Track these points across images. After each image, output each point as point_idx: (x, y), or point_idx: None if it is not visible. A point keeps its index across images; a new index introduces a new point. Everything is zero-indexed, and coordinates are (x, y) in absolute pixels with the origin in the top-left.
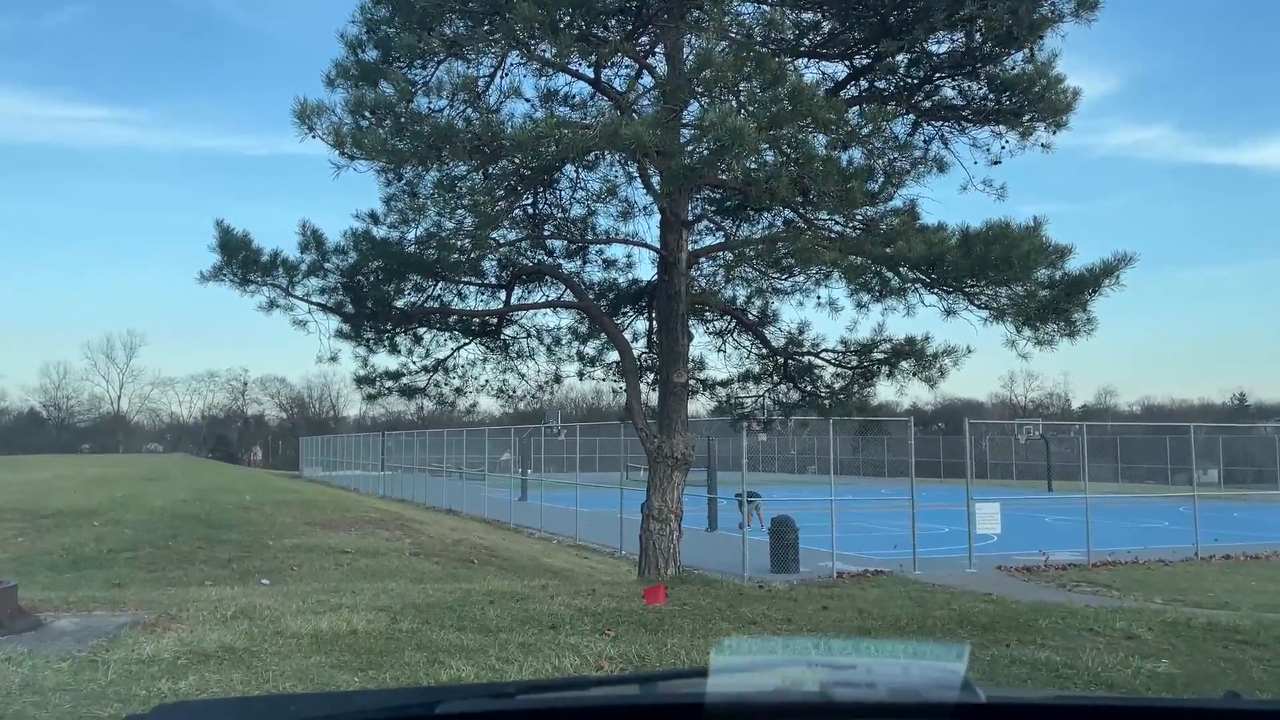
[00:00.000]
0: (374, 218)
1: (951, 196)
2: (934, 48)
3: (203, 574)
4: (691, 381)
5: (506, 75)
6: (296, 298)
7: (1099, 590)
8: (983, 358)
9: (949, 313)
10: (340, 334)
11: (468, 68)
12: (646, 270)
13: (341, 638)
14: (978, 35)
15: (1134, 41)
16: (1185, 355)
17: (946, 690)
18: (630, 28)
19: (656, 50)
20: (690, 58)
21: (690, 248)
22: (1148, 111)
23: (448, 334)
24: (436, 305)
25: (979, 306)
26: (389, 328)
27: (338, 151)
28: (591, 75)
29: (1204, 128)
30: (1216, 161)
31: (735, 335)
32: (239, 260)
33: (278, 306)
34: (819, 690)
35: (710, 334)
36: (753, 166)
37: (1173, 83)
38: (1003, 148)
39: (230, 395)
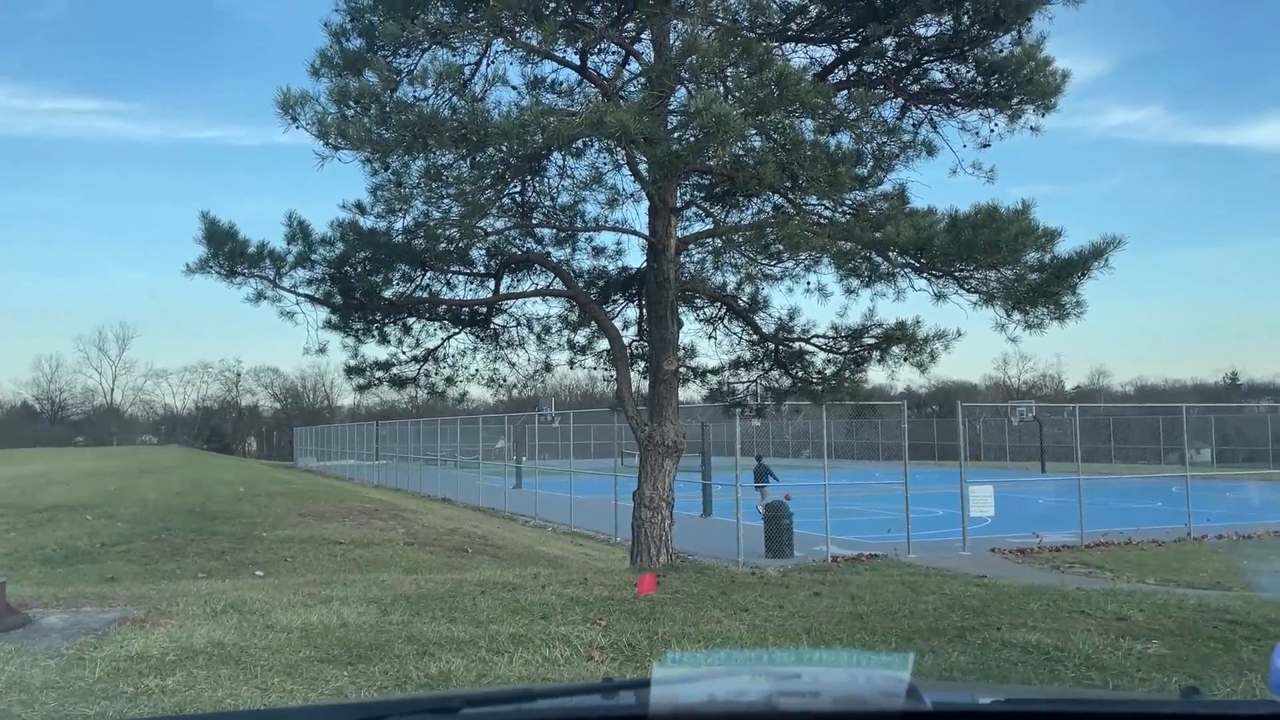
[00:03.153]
0: (360, 208)
1: (941, 180)
2: (922, 31)
3: (196, 566)
4: (682, 369)
5: (492, 63)
6: (284, 289)
7: (1092, 571)
8: (976, 340)
9: (939, 297)
10: (329, 325)
11: (453, 56)
12: (636, 258)
13: (331, 631)
14: (965, 18)
15: (1124, 23)
16: (1178, 335)
17: (892, 698)
18: (616, 14)
19: (643, 36)
20: (676, 43)
21: (679, 234)
22: (1139, 93)
23: (437, 324)
24: (425, 295)
25: (969, 290)
26: (378, 318)
27: (322, 142)
28: (578, 62)
29: (1195, 108)
30: (1208, 142)
31: (726, 322)
32: (225, 252)
33: (265, 298)
34: (764, 700)
35: (701, 321)
36: (740, 152)
37: (1163, 64)
38: (992, 130)
39: (224, 386)
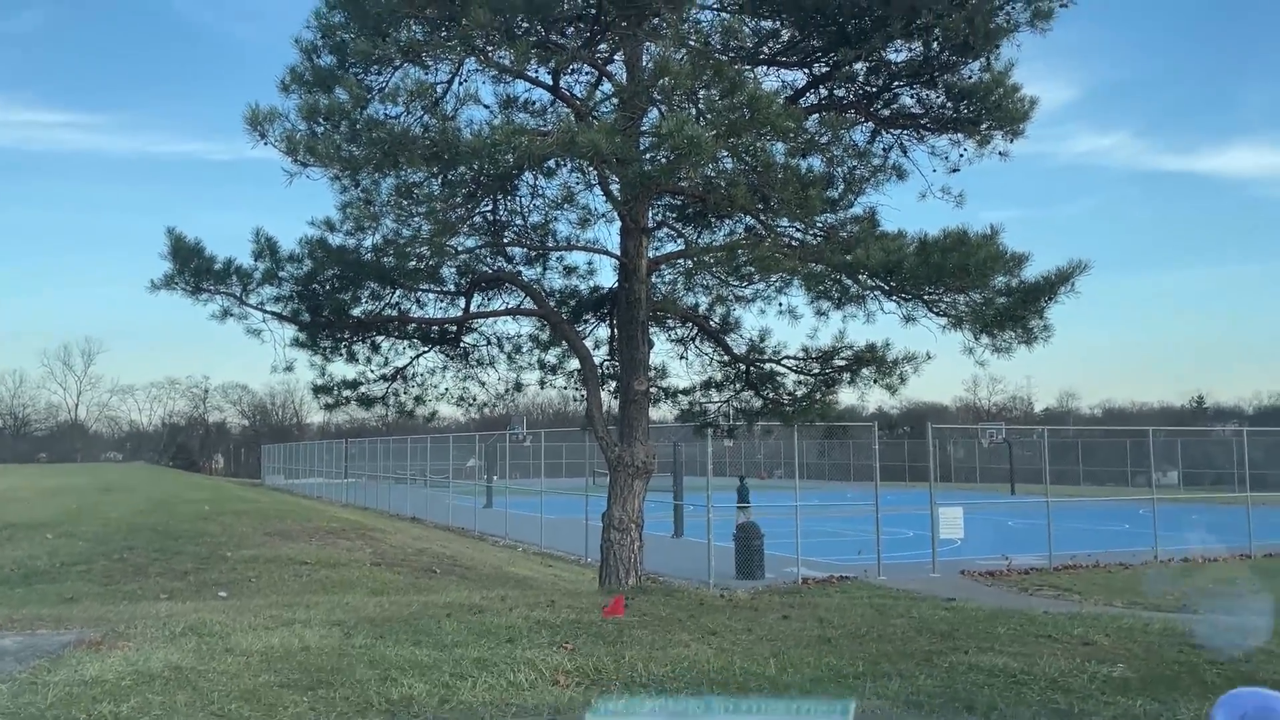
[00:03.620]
0: (329, 225)
1: (911, 204)
2: (892, 56)
3: (158, 586)
4: (654, 389)
5: (464, 82)
6: (251, 306)
7: (1060, 594)
8: (946, 362)
9: (908, 320)
10: (296, 342)
11: (425, 74)
12: (608, 277)
13: (292, 655)
14: (935, 44)
15: (1093, 50)
16: (1145, 358)
17: None
18: (589, 35)
19: (616, 57)
20: (649, 65)
21: (651, 254)
22: (1107, 119)
23: (406, 342)
24: (394, 313)
25: (938, 314)
26: (346, 336)
27: (291, 159)
28: (550, 82)
29: (1162, 135)
30: (1174, 168)
31: (697, 342)
32: (191, 268)
33: (231, 315)
34: None
35: (672, 341)
36: (712, 174)
37: (1131, 91)
38: (961, 155)
39: (191, 402)
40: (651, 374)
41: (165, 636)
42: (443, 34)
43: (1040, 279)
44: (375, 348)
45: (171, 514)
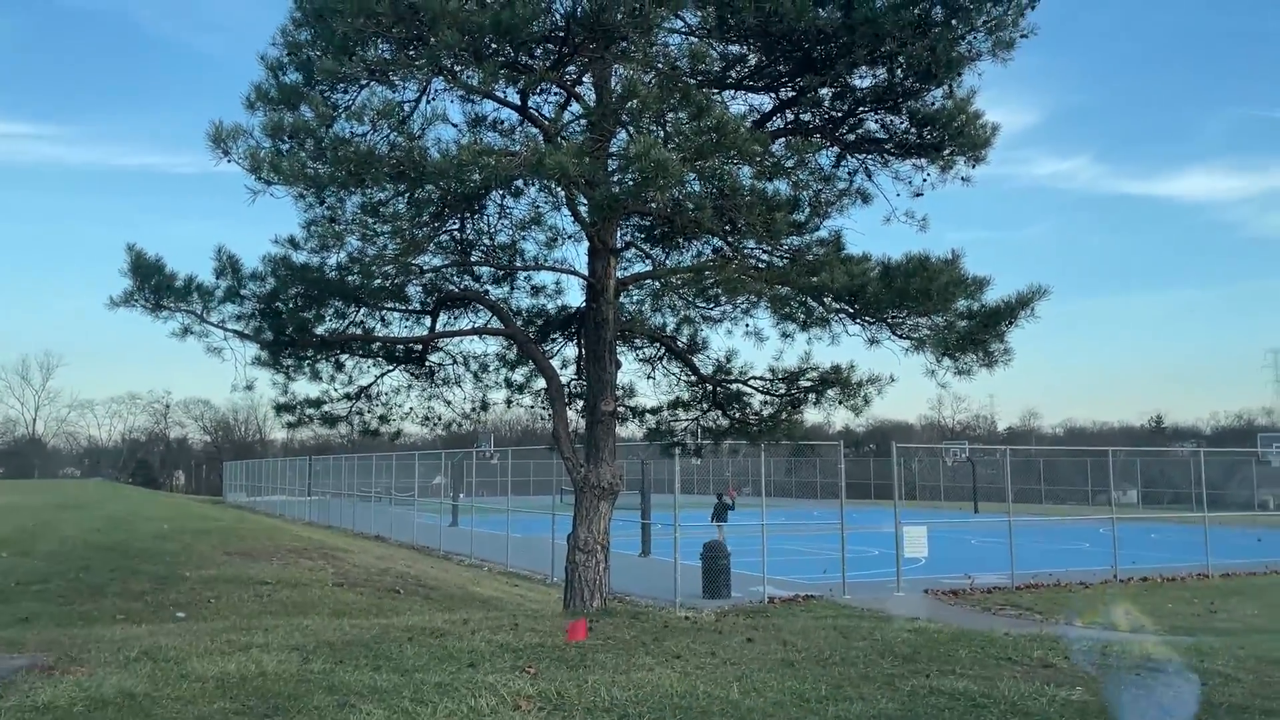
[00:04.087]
0: (293, 243)
1: (875, 227)
2: (857, 82)
3: (115, 607)
4: (621, 409)
5: (432, 101)
6: (212, 324)
7: (1022, 614)
8: (911, 381)
9: (872, 342)
10: (258, 361)
11: (392, 93)
12: (576, 296)
13: (249, 680)
14: (899, 71)
15: (1055, 76)
16: (1106, 379)
17: None
18: (557, 56)
19: (584, 79)
20: (617, 88)
21: (619, 275)
22: (1068, 144)
23: (371, 360)
24: (359, 331)
25: (901, 337)
26: (309, 355)
27: (254, 176)
28: (518, 102)
29: (1121, 160)
30: (1133, 192)
31: (664, 362)
32: (151, 285)
33: (192, 333)
34: None
35: (640, 361)
36: (679, 196)
37: (1092, 116)
38: (924, 180)
39: (152, 418)
40: (619, 393)
41: (119, 661)
42: (410, 53)
43: (1001, 303)
44: (339, 366)
45: (130, 532)
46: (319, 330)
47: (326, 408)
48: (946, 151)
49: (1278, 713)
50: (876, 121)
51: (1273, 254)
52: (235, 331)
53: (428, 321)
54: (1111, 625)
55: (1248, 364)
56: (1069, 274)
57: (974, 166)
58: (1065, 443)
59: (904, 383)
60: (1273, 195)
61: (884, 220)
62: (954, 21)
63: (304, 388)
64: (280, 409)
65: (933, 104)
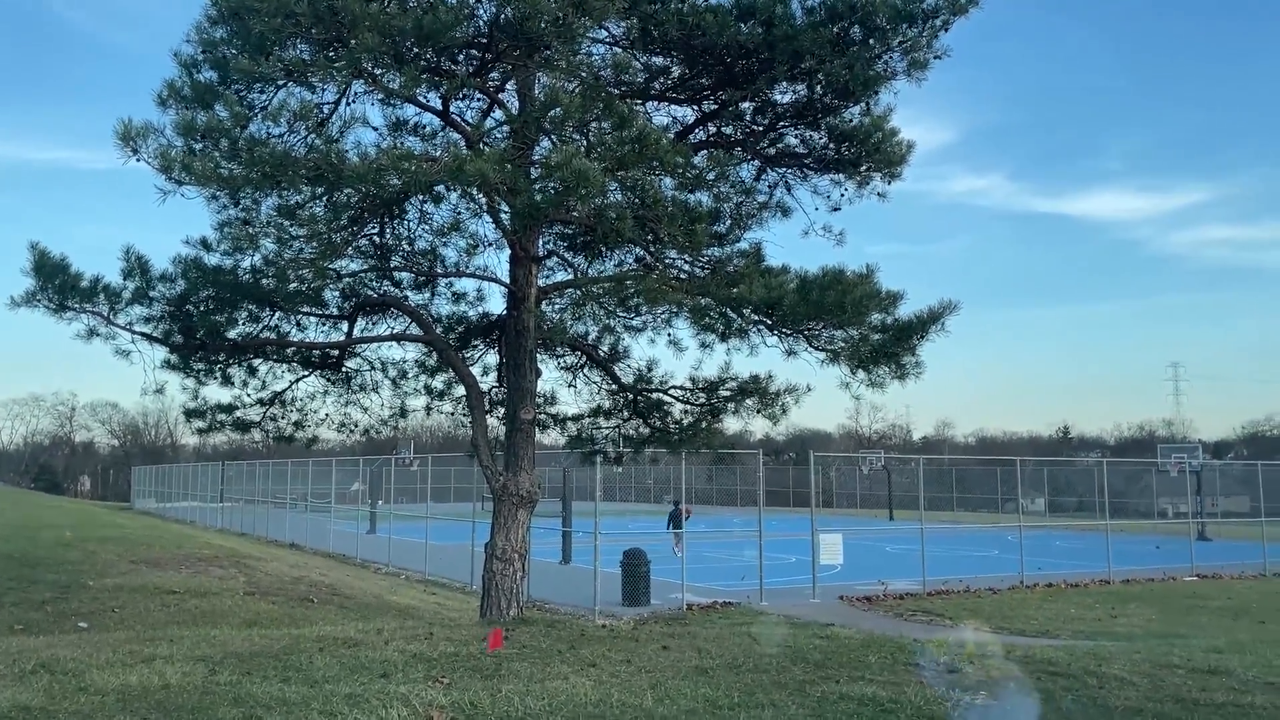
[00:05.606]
0: (206, 244)
1: (794, 240)
2: (778, 97)
3: (12, 617)
4: (542, 416)
5: (351, 103)
6: (119, 326)
7: (933, 619)
8: (830, 390)
9: (790, 353)
10: (168, 364)
11: (310, 94)
12: (497, 303)
13: (151, 693)
14: (818, 88)
15: (971, 95)
16: (1016, 390)
17: None
18: (480, 63)
19: (508, 86)
20: (540, 96)
21: (540, 283)
22: (983, 161)
23: (285, 366)
24: (273, 336)
25: (817, 348)
26: (221, 359)
27: (165, 176)
28: (440, 108)
29: (1033, 179)
30: (1044, 210)
31: (586, 371)
32: (55, 286)
33: (98, 335)
34: None
35: (561, 369)
36: (601, 205)
37: (1006, 135)
38: (842, 195)
39: (56, 421)
40: (540, 401)
41: (15, 674)
42: (330, 55)
43: (913, 317)
44: (252, 371)
45: (31, 540)
46: (231, 334)
47: (239, 413)
48: (864, 167)
49: (1171, 715)
50: (796, 136)
51: (1174, 271)
52: (144, 334)
53: (345, 327)
54: (1019, 631)
55: (1150, 377)
56: (982, 288)
57: (890, 183)
58: (977, 452)
59: (823, 392)
60: (1174, 215)
61: (803, 234)
62: (871, 41)
63: (216, 392)
64: (191, 414)
65: (851, 121)
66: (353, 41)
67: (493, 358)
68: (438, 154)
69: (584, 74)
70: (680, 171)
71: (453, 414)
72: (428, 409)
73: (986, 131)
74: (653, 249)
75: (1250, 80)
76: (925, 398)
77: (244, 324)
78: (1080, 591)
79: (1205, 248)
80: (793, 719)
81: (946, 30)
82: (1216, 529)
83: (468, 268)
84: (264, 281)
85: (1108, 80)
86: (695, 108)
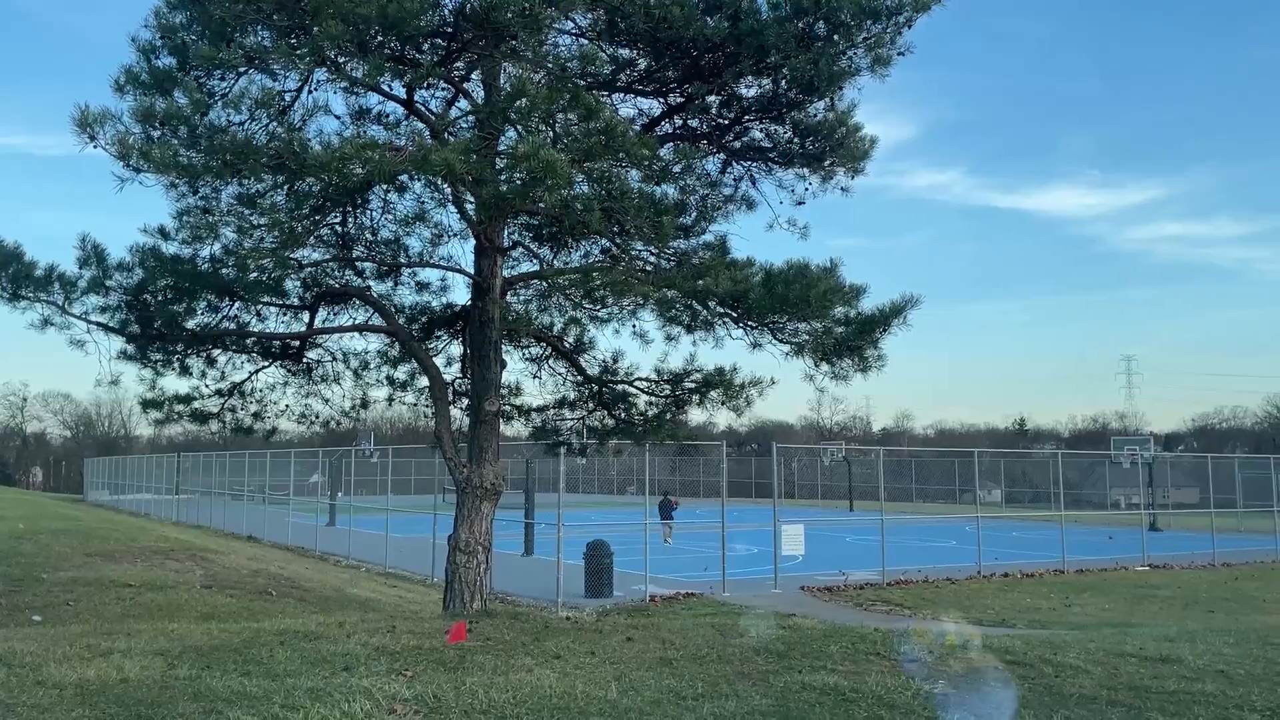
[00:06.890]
0: (164, 233)
1: (759, 233)
2: (744, 91)
3: None
4: (507, 407)
5: (314, 91)
6: (74, 316)
7: (892, 609)
8: (793, 382)
9: (755, 346)
10: (124, 355)
11: (272, 81)
12: (462, 294)
13: (109, 687)
14: (783, 82)
15: (933, 91)
16: (974, 382)
17: None
18: (445, 52)
19: (473, 76)
20: (506, 86)
21: (505, 274)
22: (943, 157)
23: (245, 356)
24: (233, 326)
25: (781, 341)
26: (179, 349)
27: (123, 163)
28: (404, 97)
29: (992, 174)
30: (1002, 205)
31: (551, 362)
32: (9, 274)
33: (53, 325)
34: None
35: (526, 360)
36: (568, 197)
37: (966, 131)
38: (806, 189)
39: (7, 412)
40: (504, 392)
41: None
42: (292, 42)
43: (876, 311)
44: (211, 361)
45: None
46: (190, 324)
47: (197, 404)
48: (827, 162)
49: (1123, 703)
50: (761, 130)
51: (1128, 267)
52: (100, 324)
53: (306, 317)
54: (976, 621)
55: (1103, 370)
56: (942, 281)
57: (853, 177)
58: (936, 444)
59: (786, 385)
60: (1128, 211)
61: (768, 227)
62: (836, 37)
63: (173, 383)
64: (147, 405)
65: (815, 116)
66: (316, 29)
67: (456, 349)
68: (402, 143)
69: (550, 65)
70: (647, 164)
71: (415, 405)
72: (390, 400)
73: (947, 127)
74: (619, 241)
75: (1205, 79)
76: (885, 390)
77: (203, 314)
78: (1036, 581)
79: (1159, 243)
80: (756, 709)
81: (910, 27)
82: (1167, 520)
83: (432, 258)
84: (224, 271)
85: (1066, 78)
86: (662, 100)
